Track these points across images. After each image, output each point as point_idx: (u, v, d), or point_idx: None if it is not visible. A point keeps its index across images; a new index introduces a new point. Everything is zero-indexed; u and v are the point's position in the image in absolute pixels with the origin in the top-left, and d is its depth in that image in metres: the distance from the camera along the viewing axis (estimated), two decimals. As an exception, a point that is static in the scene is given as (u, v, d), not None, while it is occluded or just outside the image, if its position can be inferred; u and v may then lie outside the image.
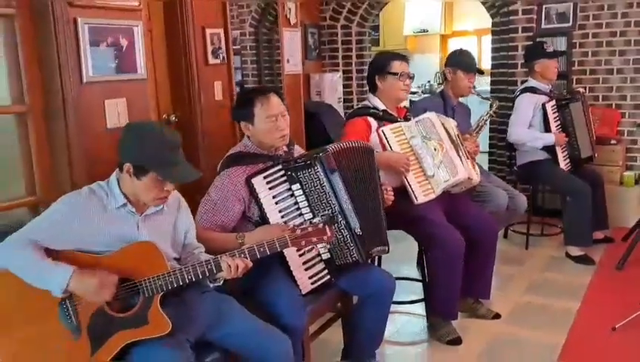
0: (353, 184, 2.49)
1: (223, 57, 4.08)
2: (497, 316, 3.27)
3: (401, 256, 3.66)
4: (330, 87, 5.55)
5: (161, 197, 1.97)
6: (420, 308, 3.35)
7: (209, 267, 1.96)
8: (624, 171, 4.81)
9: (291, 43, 4.75)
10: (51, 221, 1.91)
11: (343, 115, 5.41)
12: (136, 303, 1.91)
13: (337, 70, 5.82)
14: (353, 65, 5.90)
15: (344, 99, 5.81)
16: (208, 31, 3.93)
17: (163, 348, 1.87)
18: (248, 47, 6.19)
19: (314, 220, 2.14)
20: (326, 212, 2.40)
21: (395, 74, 3.03)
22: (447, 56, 3.84)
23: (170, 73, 3.83)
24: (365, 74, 5.86)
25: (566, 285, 3.67)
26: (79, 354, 1.86)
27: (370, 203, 2.56)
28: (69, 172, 2.58)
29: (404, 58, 3.11)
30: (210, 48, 3.95)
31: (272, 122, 2.43)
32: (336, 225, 2.34)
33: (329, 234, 2.09)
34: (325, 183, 2.42)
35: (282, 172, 2.43)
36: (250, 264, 2.04)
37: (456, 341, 3.01)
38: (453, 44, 8.48)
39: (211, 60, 3.97)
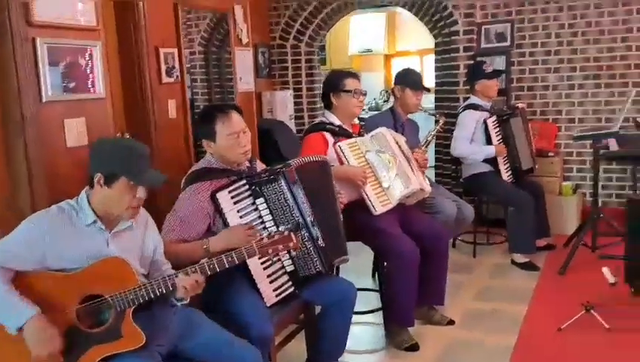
0: (314, 197, 2.57)
1: (177, 76, 4.11)
2: (451, 322, 3.41)
3: (356, 267, 3.74)
4: (282, 105, 5.66)
5: (133, 205, 2.01)
6: (376, 318, 3.46)
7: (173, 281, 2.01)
8: (562, 182, 5.10)
9: (243, 62, 4.83)
10: (20, 240, 1.91)
11: (294, 131, 5.52)
12: (108, 318, 1.93)
13: (288, 88, 5.94)
14: (303, 83, 6.04)
15: (295, 116, 5.92)
16: (162, 50, 3.96)
17: (137, 360, 1.89)
18: (198, 66, 6.23)
19: (279, 228, 2.23)
20: (282, 226, 2.47)
21: (349, 91, 3.16)
22: (396, 75, 4.01)
23: (124, 91, 3.84)
24: (316, 91, 6.07)
25: (513, 290, 3.87)
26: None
27: (331, 215, 2.66)
28: (29, 191, 2.57)
29: (356, 76, 3.25)
30: (164, 67, 3.98)
31: (234, 139, 2.50)
32: (300, 237, 2.40)
33: (294, 241, 2.19)
34: (289, 197, 2.50)
35: (247, 186, 2.50)
36: (202, 278, 2.07)
37: (414, 347, 3.13)
38: (397, 64, 8.75)
39: (165, 79, 3.99)
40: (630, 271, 3.60)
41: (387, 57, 8.84)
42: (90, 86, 2.84)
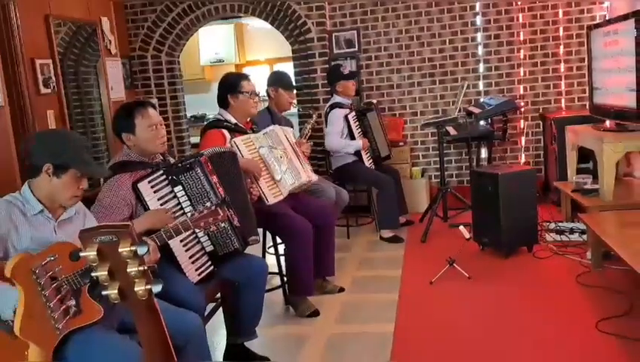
0: (227, 182, 2.85)
1: (54, 87, 4.14)
2: (342, 289, 3.88)
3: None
4: (150, 114, 5.76)
5: (77, 195, 2.17)
6: (275, 296, 3.82)
7: None
8: (412, 167, 5.83)
9: (113, 72, 4.93)
10: None
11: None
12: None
13: (152, 97, 6.05)
14: (167, 92, 6.20)
15: (162, 125, 6.05)
16: (38, 61, 3.98)
17: (98, 332, 2.06)
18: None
19: (206, 204, 2.50)
20: (208, 202, 2.72)
21: (246, 92, 3.47)
22: (268, 77, 4.43)
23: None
24: (179, 100, 6.24)
25: (387, 259, 4.44)
26: (16, 352, 1.97)
27: (242, 198, 2.96)
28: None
29: (250, 78, 3.58)
30: (40, 78, 4.00)
31: (153, 130, 2.71)
32: (226, 210, 2.65)
33: (222, 214, 2.47)
34: (205, 183, 2.76)
35: (164, 176, 2.72)
36: (156, 248, 2.31)
37: (315, 313, 3.53)
38: (248, 73, 9.12)
39: (43, 90, 4.02)
40: (477, 231, 4.34)
41: (238, 67, 9.18)
42: (-12, 94, 2.88)
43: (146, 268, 1.06)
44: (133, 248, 1.03)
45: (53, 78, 4.13)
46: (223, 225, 2.57)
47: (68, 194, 2.15)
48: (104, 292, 1.07)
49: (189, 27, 6.16)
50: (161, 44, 6.10)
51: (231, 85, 3.50)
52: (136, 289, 1.05)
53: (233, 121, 3.49)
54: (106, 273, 1.04)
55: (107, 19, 4.83)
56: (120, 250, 1.03)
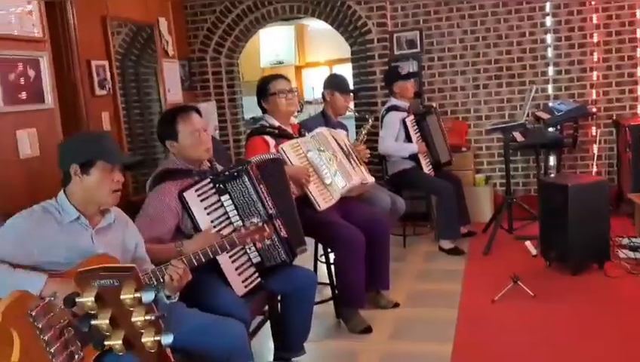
0: (274, 191, 2.72)
1: (109, 88, 4.13)
2: (397, 304, 3.67)
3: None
4: (206, 116, 5.71)
5: (114, 189, 2.08)
6: (325, 309, 3.65)
7: (162, 273, 2.10)
8: (475, 174, 5.55)
9: (171, 74, 4.90)
10: (9, 236, 1.94)
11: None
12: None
13: (210, 100, 6.02)
14: (225, 94, 6.14)
15: (219, 127, 6.03)
16: (94, 63, 3.97)
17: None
18: (115, 81, 6.15)
19: (253, 220, 2.37)
20: (255, 218, 2.60)
21: (274, 93, 3.35)
22: (325, 80, 4.27)
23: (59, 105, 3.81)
24: (237, 102, 6.21)
25: (446, 272, 4.21)
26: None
27: (289, 207, 2.83)
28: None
29: (280, 77, 3.44)
30: (96, 80, 3.99)
31: (196, 137, 2.61)
32: (272, 227, 2.53)
33: (268, 231, 2.35)
34: (252, 192, 2.63)
35: (211, 184, 2.61)
36: (187, 270, 2.16)
37: (368, 329, 3.34)
38: (307, 75, 9.04)
39: (98, 92, 4.01)
40: (544, 246, 4.05)
41: (298, 68, 9.10)
42: (39, 96, 2.86)
43: (153, 317, 0.91)
44: (137, 295, 0.89)
45: (109, 80, 4.12)
46: (268, 242, 2.45)
47: (104, 191, 2.07)
48: (107, 343, 0.93)
49: (249, 28, 6.10)
50: (220, 45, 6.05)
51: (261, 90, 3.41)
52: (143, 340, 0.91)
53: (276, 124, 3.37)
54: (108, 321, 0.91)
55: (165, 19, 4.81)
56: (122, 296, 0.89)
